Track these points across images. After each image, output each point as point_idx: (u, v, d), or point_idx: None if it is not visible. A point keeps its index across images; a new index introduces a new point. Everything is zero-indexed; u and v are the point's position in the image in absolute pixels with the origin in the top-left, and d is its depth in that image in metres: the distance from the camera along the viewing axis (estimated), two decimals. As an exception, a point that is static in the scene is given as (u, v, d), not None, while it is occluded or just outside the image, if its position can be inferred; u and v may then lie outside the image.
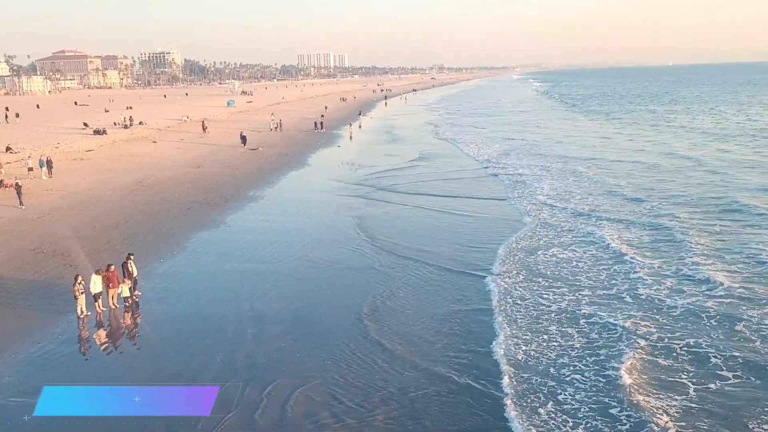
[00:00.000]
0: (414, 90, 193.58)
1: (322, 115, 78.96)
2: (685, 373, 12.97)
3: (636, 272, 19.10)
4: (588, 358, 13.73)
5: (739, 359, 13.52)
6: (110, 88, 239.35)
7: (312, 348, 14.74)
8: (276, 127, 66.52)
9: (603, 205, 28.65)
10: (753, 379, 12.76)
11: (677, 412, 11.59)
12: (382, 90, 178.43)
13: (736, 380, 12.69)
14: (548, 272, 19.50)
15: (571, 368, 13.37)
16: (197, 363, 14.10)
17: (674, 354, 13.82)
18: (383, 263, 21.04)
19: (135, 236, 24.16)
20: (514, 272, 19.47)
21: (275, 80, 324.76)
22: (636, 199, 29.70)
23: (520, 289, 18.07)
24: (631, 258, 20.44)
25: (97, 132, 58.02)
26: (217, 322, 16.44)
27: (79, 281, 16.61)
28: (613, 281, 18.55)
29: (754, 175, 35.20)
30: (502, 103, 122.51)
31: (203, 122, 64.97)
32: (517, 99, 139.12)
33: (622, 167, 39.69)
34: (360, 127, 70.19)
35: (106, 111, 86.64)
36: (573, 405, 11.93)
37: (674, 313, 16.04)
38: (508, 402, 12.07)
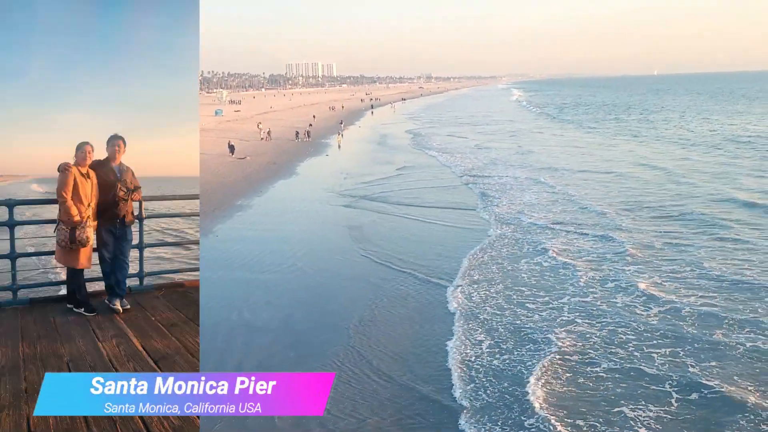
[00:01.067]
0: (403, 99, 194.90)
1: (310, 124, 79.29)
2: (669, 383, 13.30)
3: (610, 283, 19.57)
4: (575, 365, 14.09)
5: (716, 369, 13.92)
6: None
7: (303, 356, 14.94)
8: (266, 137, 66.80)
9: (570, 216, 29.01)
10: (733, 388, 13.12)
11: (657, 424, 11.91)
12: (370, 99, 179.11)
13: (718, 389, 13.03)
14: (529, 281, 19.86)
15: (555, 374, 13.72)
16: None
17: (655, 364, 14.18)
18: (375, 274, 21.27)
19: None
20: (491, 281, 19.90)
21: (263, 90, 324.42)
22: (599, 210, 29.91)
23: (499, 299, 18.46)
24: (607, 268, 20.91)
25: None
26: (205, 331, 16.56)
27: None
28: (590, 290, 18.95)
29: (722, 185, 35.84)
30: (484, 112, 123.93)
31: (191, 131, 64.90)
32: (499, 108, 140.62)
33: (588, 177, 40.35)
34: (342, 137, 70.79)
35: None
36: (559, 415, 12.24)
37: (653, 324, 16.43)
38: (474, 412, 12.41)
